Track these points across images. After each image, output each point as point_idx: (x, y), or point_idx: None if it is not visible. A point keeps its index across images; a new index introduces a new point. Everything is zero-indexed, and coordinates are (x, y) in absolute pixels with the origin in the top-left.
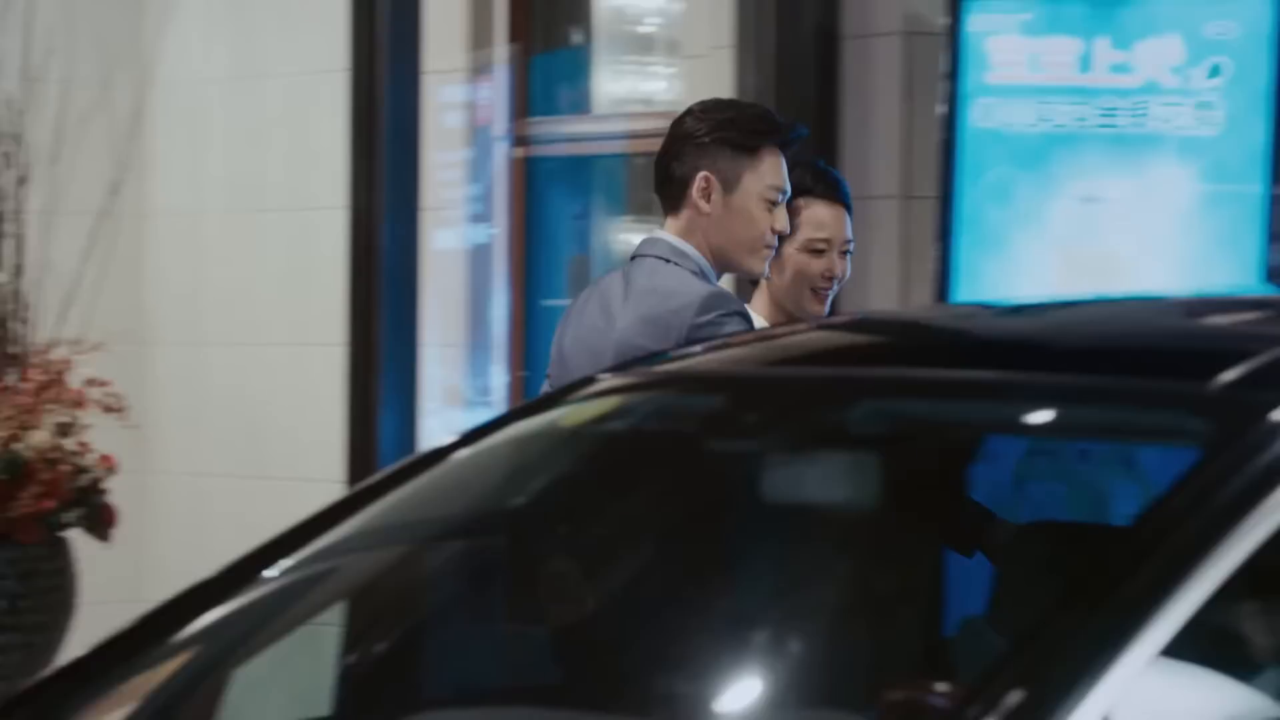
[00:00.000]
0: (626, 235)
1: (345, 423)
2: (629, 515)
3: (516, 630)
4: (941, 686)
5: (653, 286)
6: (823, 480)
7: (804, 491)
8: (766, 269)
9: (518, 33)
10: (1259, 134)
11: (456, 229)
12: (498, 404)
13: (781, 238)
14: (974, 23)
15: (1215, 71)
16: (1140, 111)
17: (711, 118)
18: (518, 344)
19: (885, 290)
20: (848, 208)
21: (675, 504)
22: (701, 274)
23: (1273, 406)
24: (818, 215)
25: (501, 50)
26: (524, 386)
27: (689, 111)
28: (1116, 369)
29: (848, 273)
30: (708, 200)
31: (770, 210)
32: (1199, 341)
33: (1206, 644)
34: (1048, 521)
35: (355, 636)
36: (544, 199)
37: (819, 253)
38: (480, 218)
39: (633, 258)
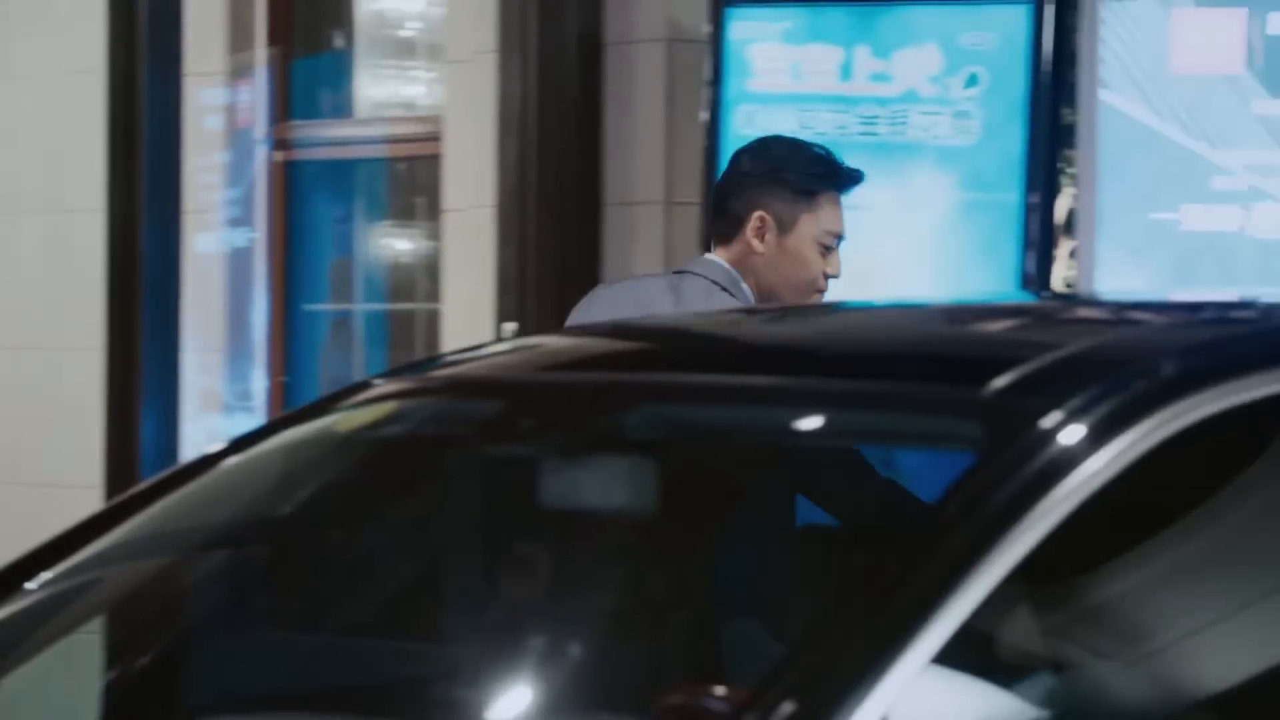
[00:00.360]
0: (389, 240)
1: (104, 428)
2: (402, 521)
3: (285, 638)
4: (719, 690)
5: (709, 310)
6: (597, 485)
7: (578, 496)
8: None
9: (277, 35)
10: (1015, 143)
11: (216, 233)
12: (258, 410)
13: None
14: (736, 30)
15: (972, 81)
16: (899, 120)
17: (772, 156)
18: (278, 349)
19: None
20: None
21: (449, 509)
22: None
23: (1044, 412)
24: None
25: (261, 53)
26: (285, 392)
27: (748, 147)
28: (892, 375)
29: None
30: (761, 240)
31: (824, 255)
32: (971, 347)
33: (974, 649)
34: (816, 524)
35: (120, 647)
36: (305, 203)
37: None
38: (240, 222)
39: (679, 272)
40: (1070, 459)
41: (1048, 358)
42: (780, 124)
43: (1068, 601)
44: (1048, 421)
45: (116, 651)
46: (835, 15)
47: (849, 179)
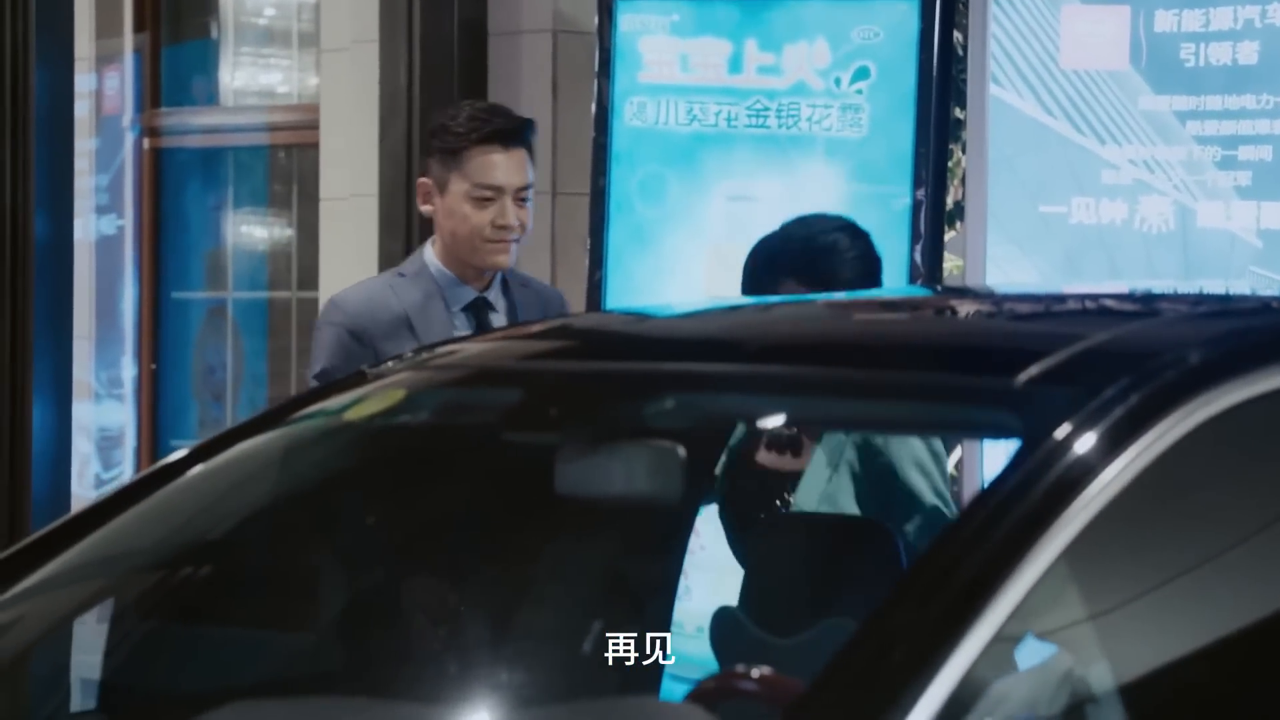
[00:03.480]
0: (263, 228)
1: None
2: (377, 515)
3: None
4: (755, 672)
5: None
6: (598, 473)
7: (606, 484)
8: (509, 260)
9: (145, 22)
10: (904, 137)
11: (83, 220)
12: (127, 398)
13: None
14: (625, 22)
15: (862, 75)
16: (789, 113)
17: (432, 125)
18: (148, 336)
19: None
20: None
21: (428, 500)
22: (408, 274)
23: (1079, 403)
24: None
25: (129, 40)
26: (155, 380)
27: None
28: (924, 365)
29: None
30: (430, 204)
31: (482, 206)
32: (1001, 339)
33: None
34: (797, 514)
35: (121, 635)
36: (177, 191)
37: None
38: (107, 209)
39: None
40: (1103, 452)
41: (1076, 348)
42: (669, 115)
43: (1102, 595)
44: (1081, 411)
45: (117, 639)
46: (724, 9)
47: (491, 132)
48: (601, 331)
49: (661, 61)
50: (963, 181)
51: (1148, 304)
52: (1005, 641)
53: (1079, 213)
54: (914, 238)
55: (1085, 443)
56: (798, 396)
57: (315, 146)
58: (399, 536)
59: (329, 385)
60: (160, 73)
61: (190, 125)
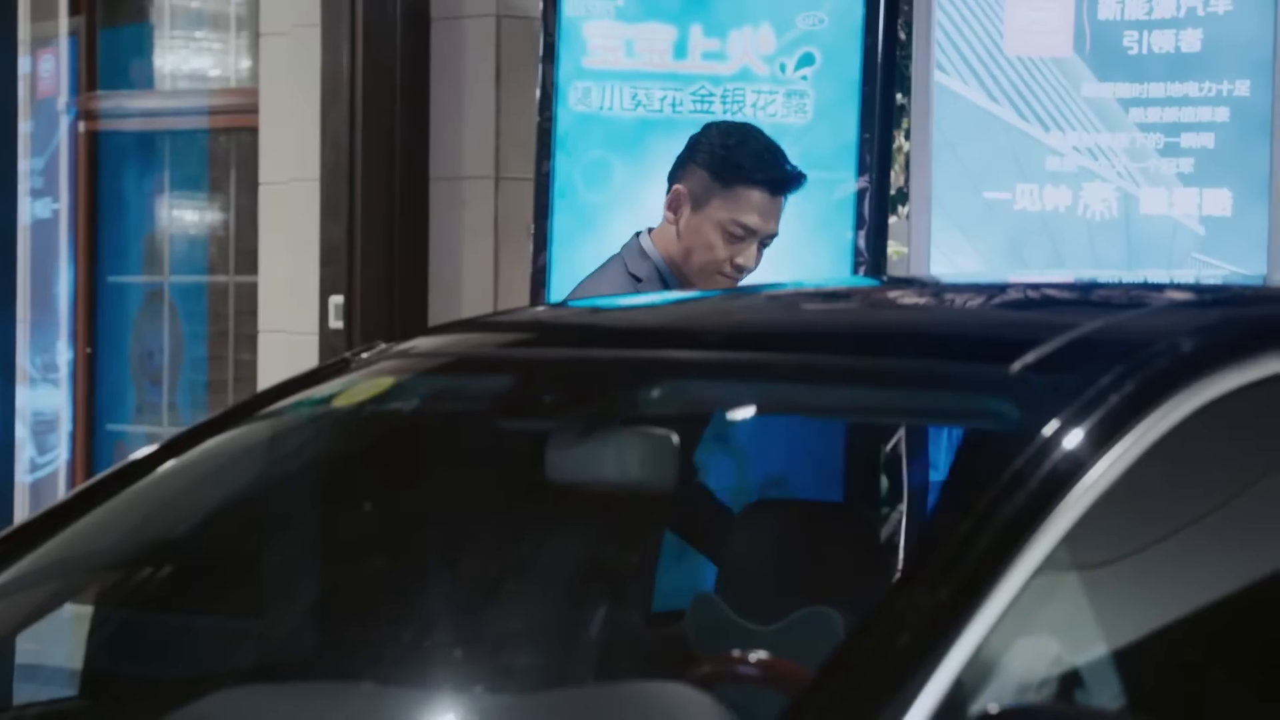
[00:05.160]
0: (201, 212)
1: None
2: (403, 497)
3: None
4: (754, 656)
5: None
6: (591, 458)
7: (597, 470)
8: None
9: (81, 5)
10: (849, 125)
11: (18, 203)
12: (62, 381)
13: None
14: (570, 7)
15: (806, 61)
16: (734, 99)
17: (709, 138)
18: (84, 320)
19: (478, 268)
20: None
21: (420, 485)
22: (640, 278)
23: (1076, 390)
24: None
25: (64, 22)
26: (90, 363)
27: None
28: (916, 353)
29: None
30: (675, 212)
31: (732, 241)
32: (991, 328)
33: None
34: (774, 499)
35: (123, 620)
36: (113, 174)
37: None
38: (42, 192)
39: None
40: (1098, 440)
41: (1068, 336)
42: (614, 101)
43: (1101, 583)
44: (1076, 400)
45: (99, 625)
46: None
47: (774, 179)
48: (583, 319)
49: (606, 47)
50: (906, 168)
51: (1127, 293)
52: (1007, 628)
53: (1023, 199)
54: (858, 224)
55: (1082, 430)
56: (784, 383)
57: (253, 130)
58: (384, 523)
59: (315, 370)
60: (96, 56)
61: (126, 109)
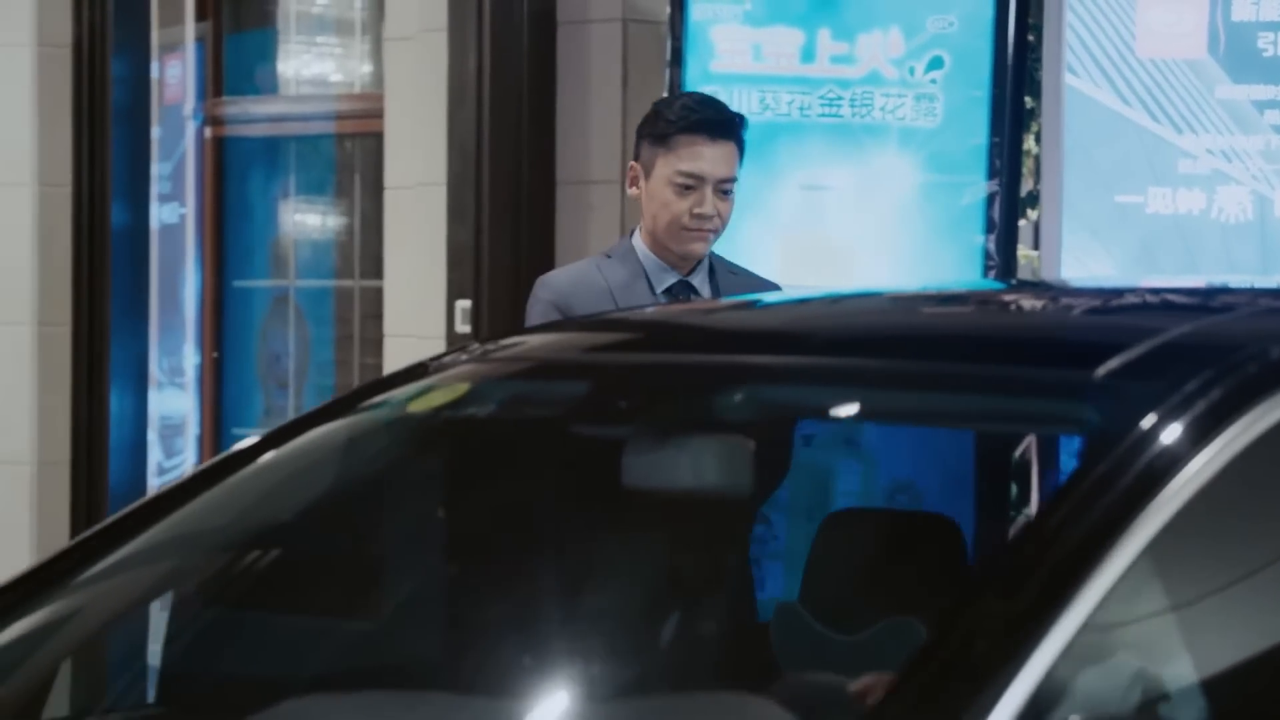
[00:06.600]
0: (326, 216)
1: (35, 403)
2: (481, 504)
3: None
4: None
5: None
6: (679, 466)
7: (663, 476)
8: (705, 249)
9: (207, 11)
10: (979, 128)
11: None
12: (189, 386)
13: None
14: (697, 11)
15: (936, 64)
16: (862, 102)
17: (648, 112)
18: (210, 324)
19: None
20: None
21: (495, 493)
22: (614, 255)
23: (1159, 397)
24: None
25: (190, 28)
26: (217, 368)
27: None
28: (995, 359)
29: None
30: (635, 187)
31: (682, 194)
32: (1075, 333)
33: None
34: (854, 508)
35: (199, 623)
36: (239, 179)
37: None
38: (169, 197)
39: None
40: (1186, 446)
41: (1155, 342)
42: (742, 105)
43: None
44: (1162, 405)
45: (179, 629)
46: None
47: (699, 121)
48: (669, 323)
49: (733, 51)
50: (1036, 171)
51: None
52: (1087, 638)
53: (1155, 202)
54: (988, 228)
55: (1168, 436)
56: (868, 389)
57: (378, 135)
58: (461, 528)
59: (393, 375)
60: (222, 61)
61: (252, 114)
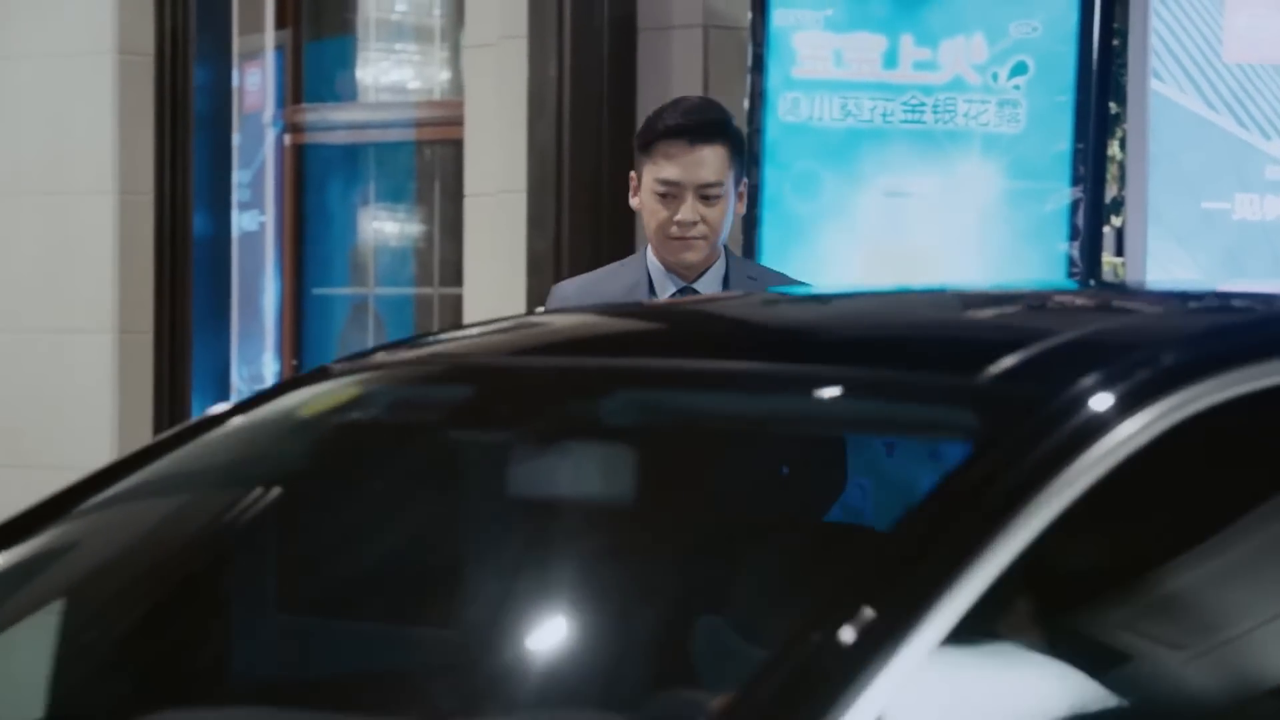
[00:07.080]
0: (406, 224)
1: (116, 410)
2: (362, 506)
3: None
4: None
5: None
6: (568, 472)
7: (554, 484)
8: (695, 258)
9: (287, 19)
10: (1063, 133)
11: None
12: None
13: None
14: (779, 18)
15: (1020, 70)
16: (945, 108)
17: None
18: (290, 332)
19: None
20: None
21: (406, 494)
22: (628, 263)
23: (1044, 400)
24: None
25: (270, 36)
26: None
27: None
28: (887, 362)
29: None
30: (634, 198)
31: (664, 202)
32: (966, 334)
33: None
34: (784, 517)
35: (84, 630)
36: (319, 187)
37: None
38: (249, 205)
39: None
40: (1072, 445)
41: (1045, 344)
42: (824, 111)
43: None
44: (1045, 408)
45: (82, 632)
46: (879, 3)
47: (671, 127)
48: (579, 326)
49: (815, 57)
50: (1121, 177)
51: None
52: (947, 649)
53: (1242, 209)
54: (1072, 234)
55: (1050, 442)
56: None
57: (458, 142)
58: (323, 537)
59: (298, 378)
60: (302, 69)
61: (332, 121)
